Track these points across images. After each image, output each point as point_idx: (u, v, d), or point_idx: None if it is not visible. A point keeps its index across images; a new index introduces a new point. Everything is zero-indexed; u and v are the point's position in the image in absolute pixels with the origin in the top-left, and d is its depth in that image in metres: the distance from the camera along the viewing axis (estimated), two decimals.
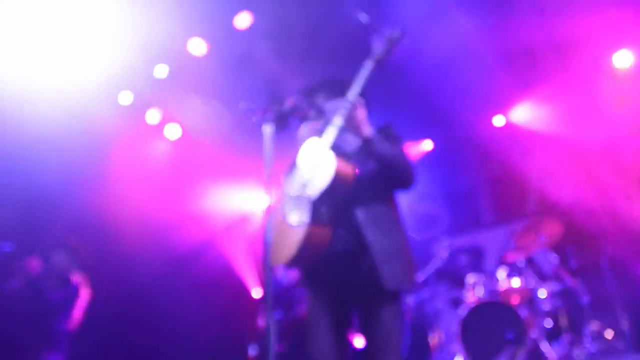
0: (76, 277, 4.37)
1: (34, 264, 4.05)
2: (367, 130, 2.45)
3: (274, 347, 2.02)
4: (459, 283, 5.65)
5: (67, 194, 5.65)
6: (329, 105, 2.66)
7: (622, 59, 6.10)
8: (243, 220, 7.73)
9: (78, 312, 4.30)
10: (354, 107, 2.43)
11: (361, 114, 2.45)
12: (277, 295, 3.92)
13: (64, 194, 5.64)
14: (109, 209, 6.05)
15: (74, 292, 4.30)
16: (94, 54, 5.46)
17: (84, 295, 4.39)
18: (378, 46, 2.54)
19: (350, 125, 2.45)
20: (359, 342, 4.94)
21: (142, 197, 6.37)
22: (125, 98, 6.22)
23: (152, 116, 6.66)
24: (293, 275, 4.81)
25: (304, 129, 2.64)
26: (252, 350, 4.88)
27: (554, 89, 6.41)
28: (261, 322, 4.90)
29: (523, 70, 6.16)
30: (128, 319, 6.28)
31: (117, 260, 6.17)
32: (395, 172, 2.46)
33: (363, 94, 2.54)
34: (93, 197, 5.93)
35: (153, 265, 6.50)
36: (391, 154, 2.45)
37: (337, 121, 2.44)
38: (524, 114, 6.94)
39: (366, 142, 2.44)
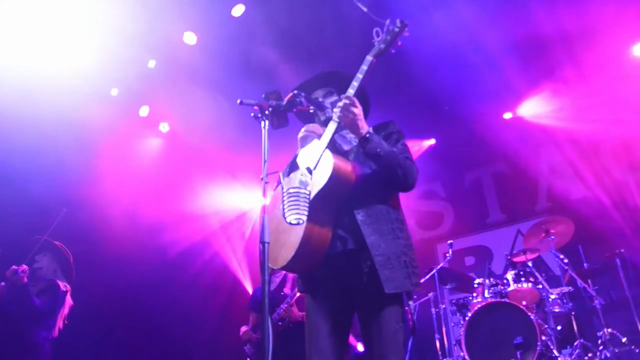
0: (62, 284, 4.22)
1: (21, 269, 3.90)
2: (364, 128, 2.37)
3: (270, 347, 1.93)
4: (465, 285, 5.47)
5: (56, 191, 5.50)
6: (327, 101, 2.62)
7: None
8: (239, 219, 7.61)
9: (60, 320, 4.15)
10: (349, 104, 2.34)
11: (357, 111, 2.36)
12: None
13: (53, 191, 5.49)
14: (100, 207, 5.93)
15: (61, 299, 4.15)
16: (86, 47, 5.32)
17: (68, 303, 4.26)
18: (379, 40, 2.44)
19: (347, 123, 2.37)
20: (361, 346, 4.78)
21: (134, 194, 6.24)
22: (117, 92, 6.07)
23: (145, 111, 6.51)
24: (276, 278, 4.71)
25: (305, 128, 2.55)
26: (248, 352, 4.74)
27: (564, 82, 6.23)
28: (246, 327, 4.80)
29: (533, 63, 5.97)
30: (122, 320, 6.18)
31: (110, 261, 6.05)
32: (394, 172, 2.37)
33: (363, 89, 2.44)
34: (83, 195, 5.79)
35: (148, 266, 6.37)
36: (389, 153, 2.36)
37: (336, 118, 2.38)
38: (533, 108, 6.74)
39: (362, 141, 2.38)
